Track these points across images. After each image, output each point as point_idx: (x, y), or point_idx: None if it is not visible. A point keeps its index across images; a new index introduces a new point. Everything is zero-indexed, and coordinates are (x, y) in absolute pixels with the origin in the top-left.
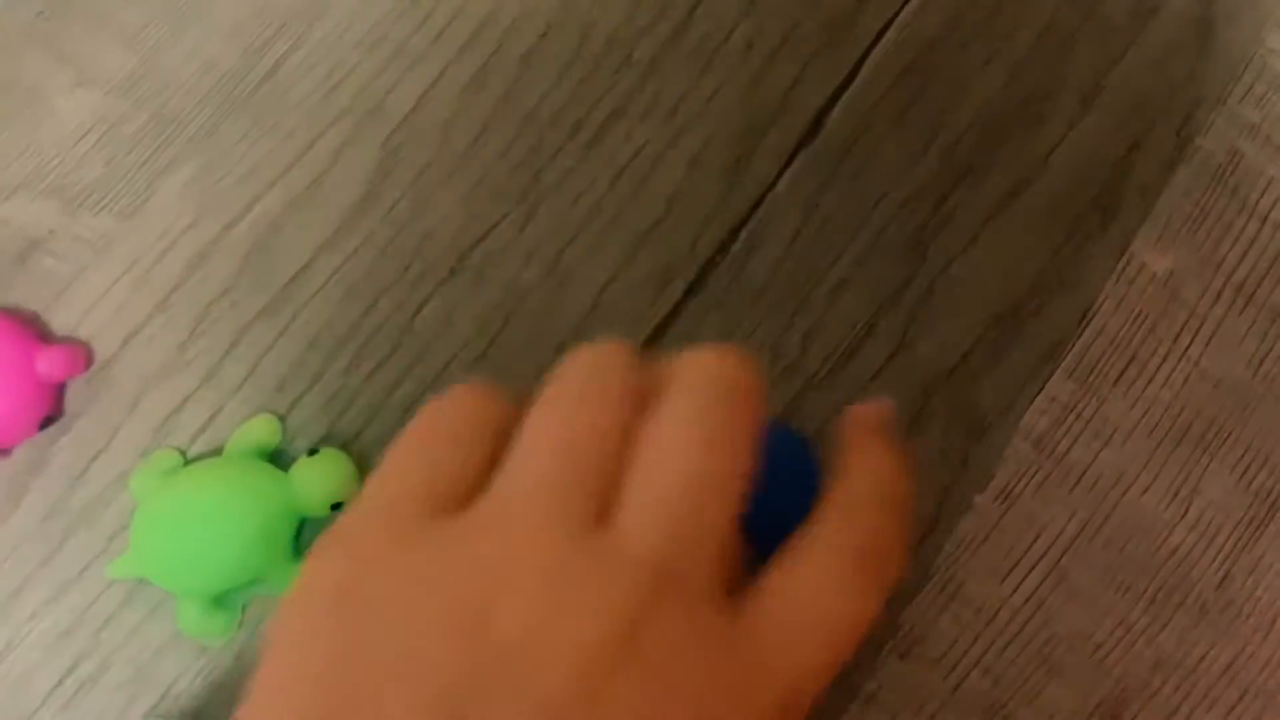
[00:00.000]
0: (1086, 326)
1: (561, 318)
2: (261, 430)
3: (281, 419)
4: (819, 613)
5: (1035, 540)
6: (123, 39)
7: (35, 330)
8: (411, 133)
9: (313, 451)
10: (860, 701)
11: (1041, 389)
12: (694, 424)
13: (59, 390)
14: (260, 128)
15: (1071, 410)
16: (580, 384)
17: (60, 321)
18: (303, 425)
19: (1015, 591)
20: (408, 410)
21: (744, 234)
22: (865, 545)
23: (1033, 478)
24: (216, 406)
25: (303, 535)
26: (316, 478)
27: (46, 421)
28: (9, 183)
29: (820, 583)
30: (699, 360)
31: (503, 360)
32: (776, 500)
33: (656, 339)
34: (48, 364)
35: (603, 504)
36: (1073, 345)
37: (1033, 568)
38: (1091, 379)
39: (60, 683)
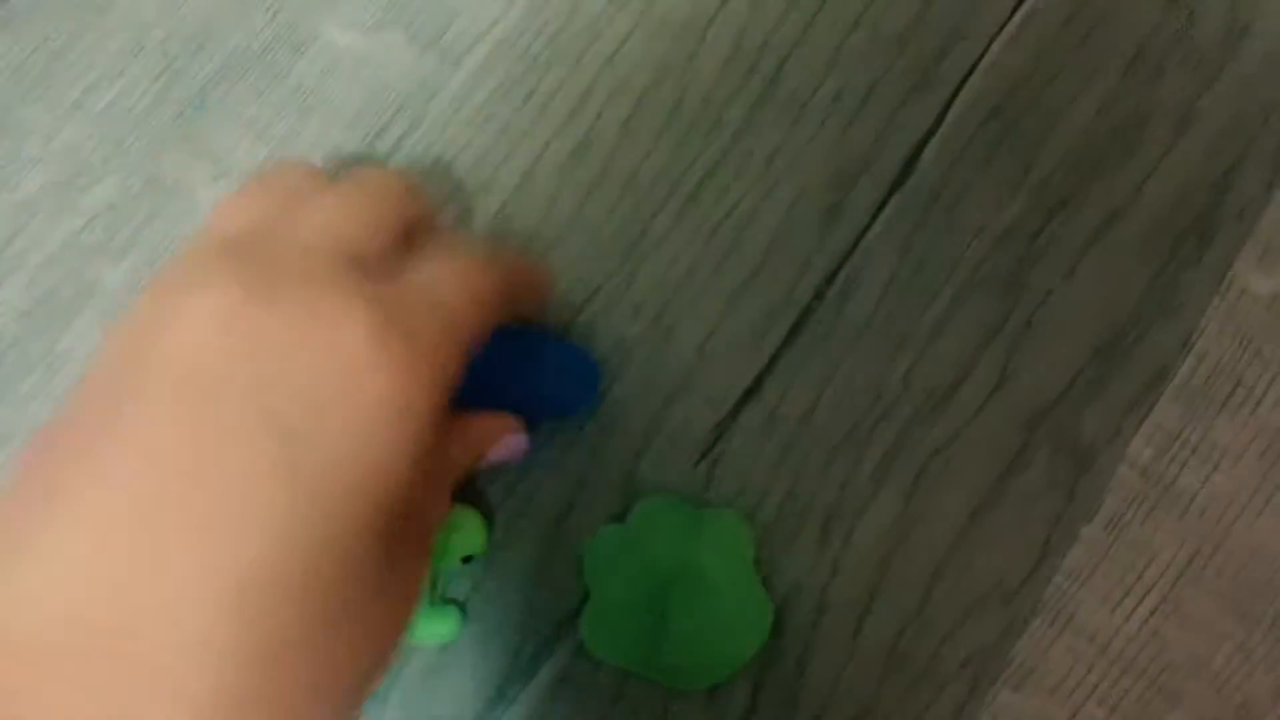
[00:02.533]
0: (1189, 352)
1: (668, 369)
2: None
3: None
4: (455, 275)
5: (1146, 568)
6: (254, 133)
7: None
8: (521, 203)
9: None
10: None
11: (1146, 417)
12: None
13: None
14: None
15: (1178, 437)
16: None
17: None
18: None
19: (1128, 620)
20: (532, 459)
21: (840, 278)
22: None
23: (1141, 505)
24: None
25: (436, 586)
26: (452, 532)
27: None
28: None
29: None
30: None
31: (615, 412)
32: (552, 390)
33: (759, 383)
34: None
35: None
36: (1176, 371)
37: (1145, 596)
38: (1197, 405)
39: None
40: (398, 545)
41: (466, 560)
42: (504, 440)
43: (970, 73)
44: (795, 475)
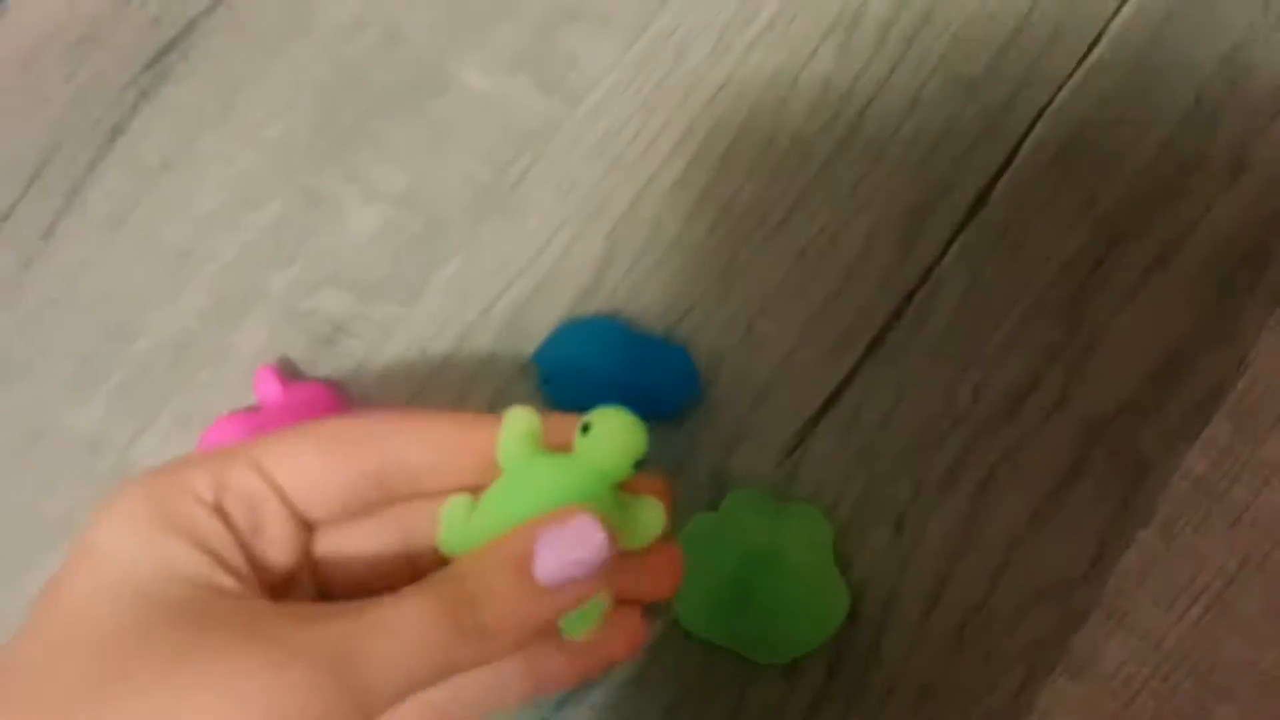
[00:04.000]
0: (1242, 375)
1: (756, 377)
2: (522, 422)
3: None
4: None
5: (1198, 574)
6: (398, 162)
7: (344, 396)
8: (628, 227)
9: (585, 426)
10: (1033, 719)
11: (1200, 433)
12: None
13: None
14: (509, 227)
15: (1230, 452)
16: None
17: (360, 389)
18: None
19: (1180, 620)
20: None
21: (915, 301)
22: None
23: (1194, 515)
24: None
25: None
26: (612, 443)
27: None
28: (318, 279)
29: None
30: None
31: (708, 414)
32: (656, 389)
33: (839, 393)
34: None
35: None
36: (1230, 392)
37: (1196, 598)
38: (1249, 423)
39: None
40: None
41: (638, 465)
42: (549, 536)
43: (1038, 117)
44: (870, 476)
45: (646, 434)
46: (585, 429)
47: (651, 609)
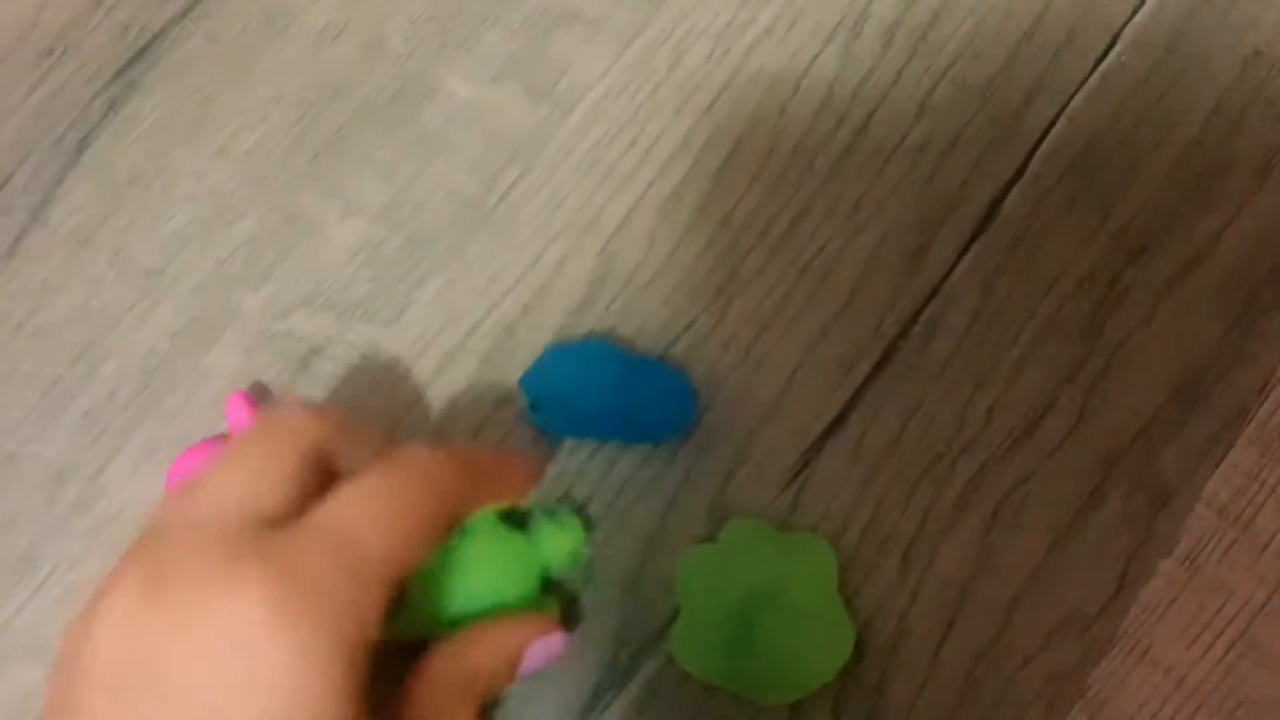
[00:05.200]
0: (1267, 396)
1: (756, 400)
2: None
3: None
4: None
5: (1223, 606)
6: (380, 174)
7: None
8: (622, 242)
9: (550, 513)
10: None
11: (1223, 458)
12: None
13: None
14: (497, 243)
15: (1255, 478)
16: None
17: None
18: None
19: (1205, 656)
20: (628, 479)
21: (924, 318)
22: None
23: (1218, 544)
24: None
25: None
26: (561, 541)
27: None
28: (294, 299)
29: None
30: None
31: (706, 438)
32: (650, 414)
33: (844, 417)
34: None
35: None
36: (1254, 415)
37: (1221, 632)
38: (1275, 447)
39: None
40: None
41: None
42: (537, 645)
43: (1052, 124)
44: (878, 504)
45: (584, 538)
46: (550, 514)
47: (645, 648)
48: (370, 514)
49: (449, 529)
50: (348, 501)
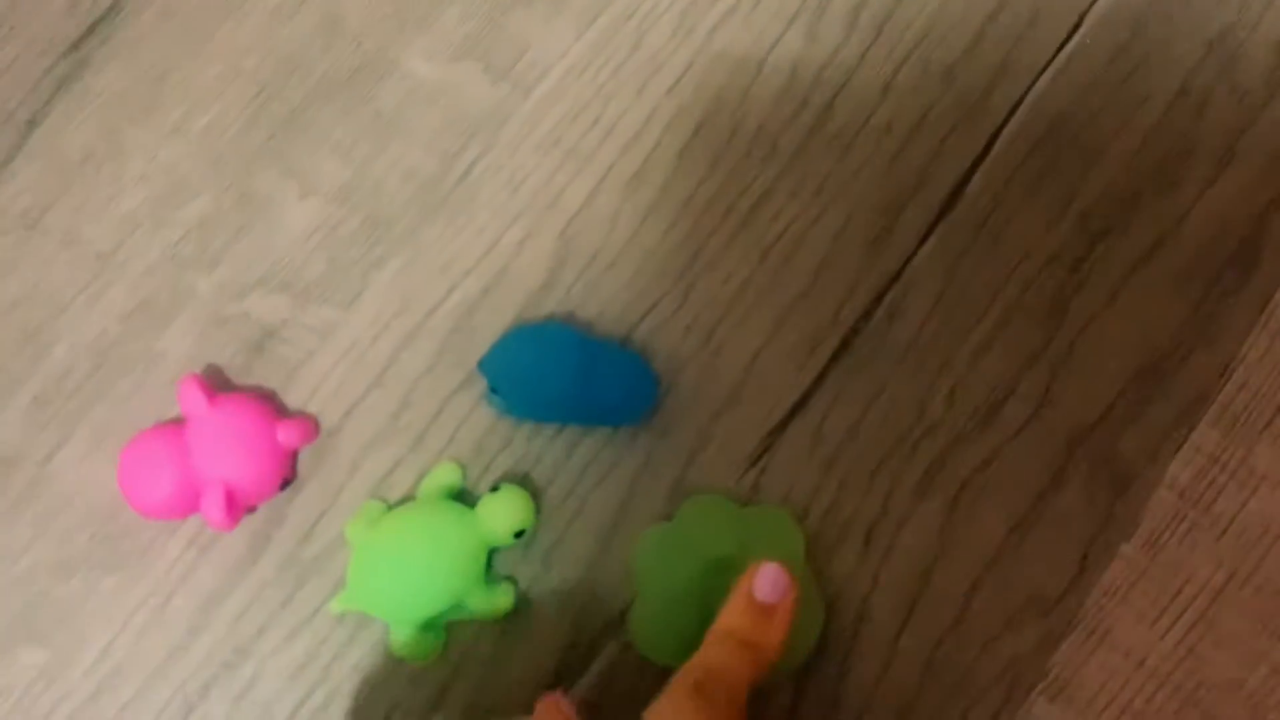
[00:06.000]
0: (1229, 379)
1: (718, 384)
2: (447, 475)
3: (463, 465)
4: None
5: (1183, 588)
6: (338, 154)
7: (275, 406)
8: (583, 224)
9: (495, 488)
10: None
11: (1185, 440)
12: None
13: (294, 457)
14: (455, 225)
15: (1216, 461)
16: None
17: (293, 398)
18: (487, 475)
19: (1164, 637)
20: (589, 463)
21: (887, 301)
22: None
23: (1179, 527)
24: (423, 469)
25: (492, 562)
26: (501, 511)
27: (284, 484)
28: (249, 281)
29: None
30: None
31: (667, 423)
32: (610, 397)
33: (805, 400)
34: (286, 435)
35: None
36: (1216, 397)
37: (1181, 614)
38: (1236, 430)
39: (296, 711)
40: None
41: (519, 535)
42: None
43: (1017, 105)
44: (839, 488)
45: (533, 512)
46: (494, 489)
47: (605, 632)
48: None
49: None
50: None
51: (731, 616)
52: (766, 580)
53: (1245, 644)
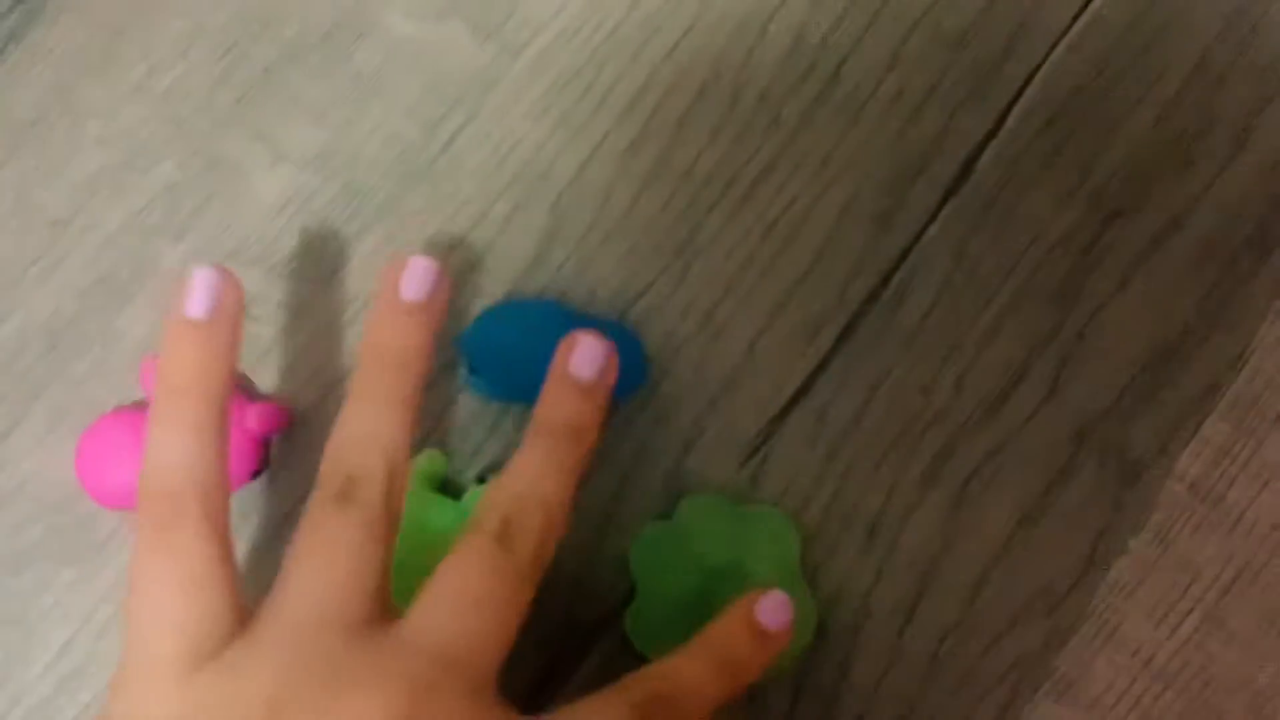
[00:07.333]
0: (1242, 368)
1: (717, 367)
2: (431, 463)
3: (448, 453)
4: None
5: (1192, 583)
6: (312, 118)
7: (244, 390)
8: (576, 196)
9: (481, 479)
10: None
11: (1196, 432)
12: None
13: (265, 445)
14: (439, 196)
15: (1227, 453)
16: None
17: (264, 381)
18: (473, 462)
19: (1173, 634)
20: None
21: (894, 281)
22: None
23: (1188, 521)
24: None
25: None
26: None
27: (255, 473)
28: (217, 254)
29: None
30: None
31: (663, 409)
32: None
33: (807, 387)
34: (257, 420)
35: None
36: (1228, 387)
37: (1190, 611)
38: (1248, 421)
39: None
40: None
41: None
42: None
43: (1031, 77)
44: (842, 479)
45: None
46: (481, 480)
47: (600, 628)
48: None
49: None
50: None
51: (724, 633)
52: (772, 606)
53: (1253, 642)
